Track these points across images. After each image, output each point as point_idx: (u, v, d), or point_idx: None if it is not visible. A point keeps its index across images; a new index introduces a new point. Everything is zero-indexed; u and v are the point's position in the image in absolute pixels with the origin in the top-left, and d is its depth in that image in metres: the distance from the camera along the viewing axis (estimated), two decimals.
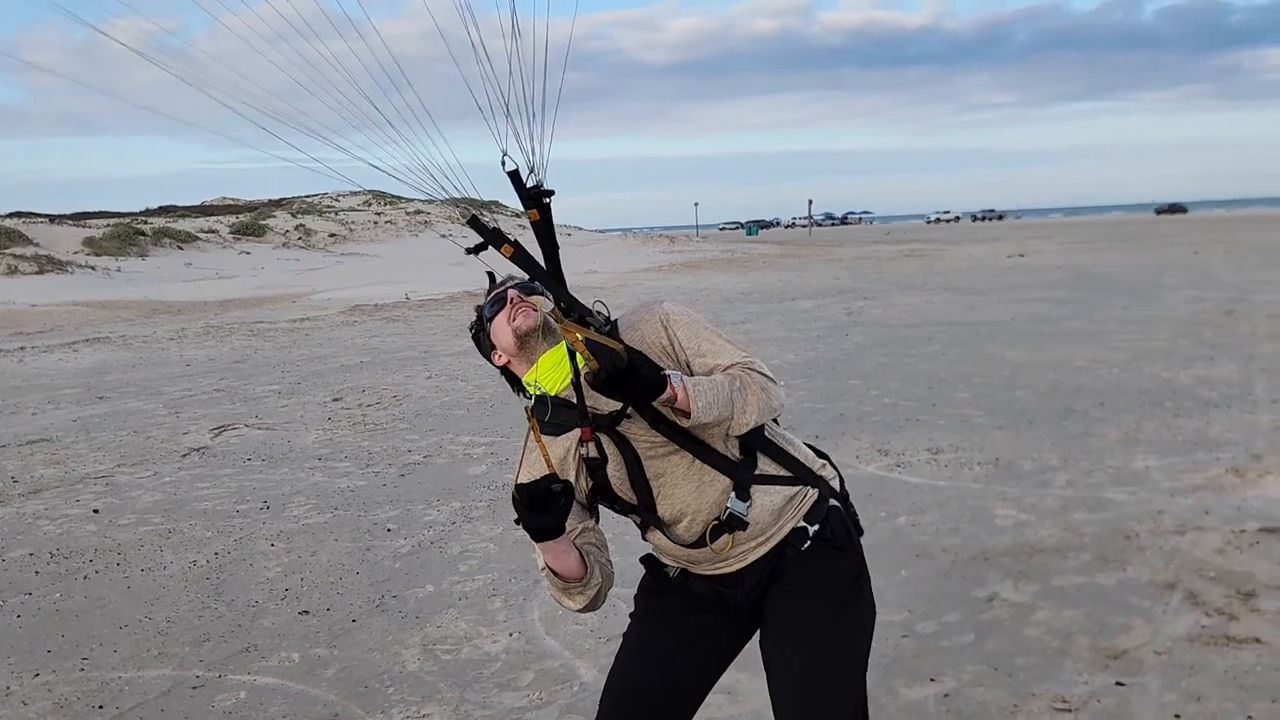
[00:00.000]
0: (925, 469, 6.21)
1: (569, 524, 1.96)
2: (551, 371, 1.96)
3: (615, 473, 2.00)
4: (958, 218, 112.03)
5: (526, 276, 1.99)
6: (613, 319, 2.02)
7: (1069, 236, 47.48)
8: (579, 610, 2.02)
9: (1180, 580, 4.20)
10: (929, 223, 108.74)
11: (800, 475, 2.05)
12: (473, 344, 2.11)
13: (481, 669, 3.74)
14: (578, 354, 1.85)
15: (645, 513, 2.02)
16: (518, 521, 1.86)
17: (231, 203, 60.46)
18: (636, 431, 1.97)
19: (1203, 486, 5.50)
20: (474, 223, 1.95)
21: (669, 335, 1.99)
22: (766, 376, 1.98)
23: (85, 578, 4.97)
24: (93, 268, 32.13)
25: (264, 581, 4.78)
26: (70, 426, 8.90)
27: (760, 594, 2.05)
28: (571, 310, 1.90)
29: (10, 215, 40.90)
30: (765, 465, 2.02)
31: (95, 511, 6.14)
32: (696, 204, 79.56)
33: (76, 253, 33.77)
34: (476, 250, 1.96)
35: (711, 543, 1.99)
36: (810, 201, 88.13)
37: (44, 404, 10.21)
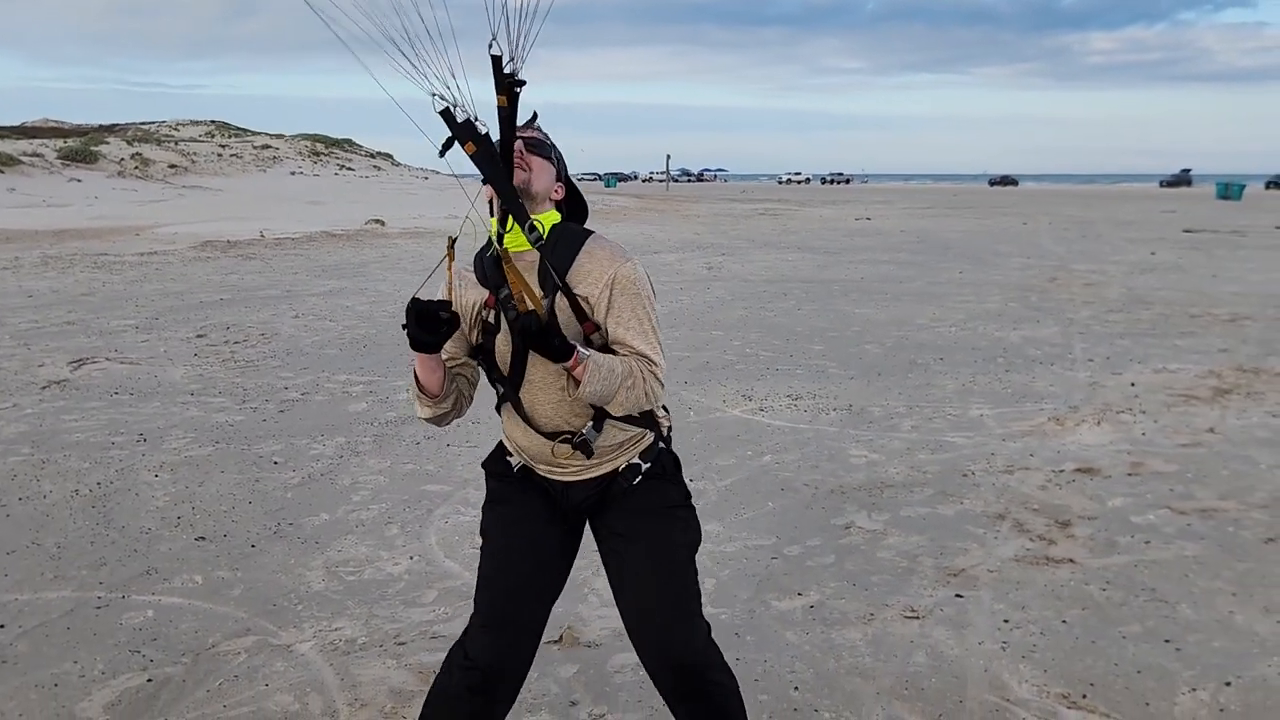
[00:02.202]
0: (786, 413, 6.70)
1: (456, 354, 2.26)
2: (511, 238, 2.12)
3: (501, 345, 2.21)
4: (808, 179, 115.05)
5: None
6: (591, 230, 2.23)
7: (910, 202, 49.73)
8: (424, 419, 2.26)
9: (1009, 512, 4.79)
10: (781, 183, 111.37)
11: (644, 419, 2.28)
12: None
13: (386, 588, 3.95)
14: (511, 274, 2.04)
15: (511, 390, 2.24)
16: (404, 326, 2.05)
17: (56, 125, 56.30)
18: None
19: (1028, 433, 6.18)
20: (445, 114, 2.02)
21: (608, 293, 2.13)
22: (659, 382, 2.19)
23: None
24: None
25: (153, 510, 4.81)
26: None
27: (588, 509, 2.32)
28: (511, 212, 2.08)
29: None
30: None
31: None
32: None
33: None
34: (444, 149, 2.05)
35: (554, 445, 2.23)
36: (669, 156, 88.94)
37: None
